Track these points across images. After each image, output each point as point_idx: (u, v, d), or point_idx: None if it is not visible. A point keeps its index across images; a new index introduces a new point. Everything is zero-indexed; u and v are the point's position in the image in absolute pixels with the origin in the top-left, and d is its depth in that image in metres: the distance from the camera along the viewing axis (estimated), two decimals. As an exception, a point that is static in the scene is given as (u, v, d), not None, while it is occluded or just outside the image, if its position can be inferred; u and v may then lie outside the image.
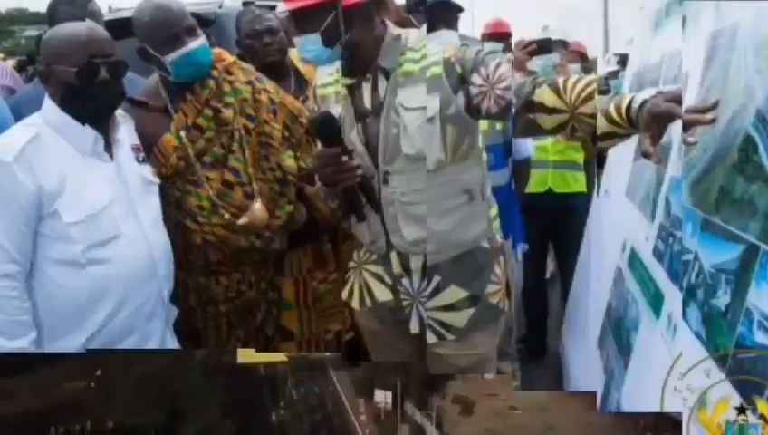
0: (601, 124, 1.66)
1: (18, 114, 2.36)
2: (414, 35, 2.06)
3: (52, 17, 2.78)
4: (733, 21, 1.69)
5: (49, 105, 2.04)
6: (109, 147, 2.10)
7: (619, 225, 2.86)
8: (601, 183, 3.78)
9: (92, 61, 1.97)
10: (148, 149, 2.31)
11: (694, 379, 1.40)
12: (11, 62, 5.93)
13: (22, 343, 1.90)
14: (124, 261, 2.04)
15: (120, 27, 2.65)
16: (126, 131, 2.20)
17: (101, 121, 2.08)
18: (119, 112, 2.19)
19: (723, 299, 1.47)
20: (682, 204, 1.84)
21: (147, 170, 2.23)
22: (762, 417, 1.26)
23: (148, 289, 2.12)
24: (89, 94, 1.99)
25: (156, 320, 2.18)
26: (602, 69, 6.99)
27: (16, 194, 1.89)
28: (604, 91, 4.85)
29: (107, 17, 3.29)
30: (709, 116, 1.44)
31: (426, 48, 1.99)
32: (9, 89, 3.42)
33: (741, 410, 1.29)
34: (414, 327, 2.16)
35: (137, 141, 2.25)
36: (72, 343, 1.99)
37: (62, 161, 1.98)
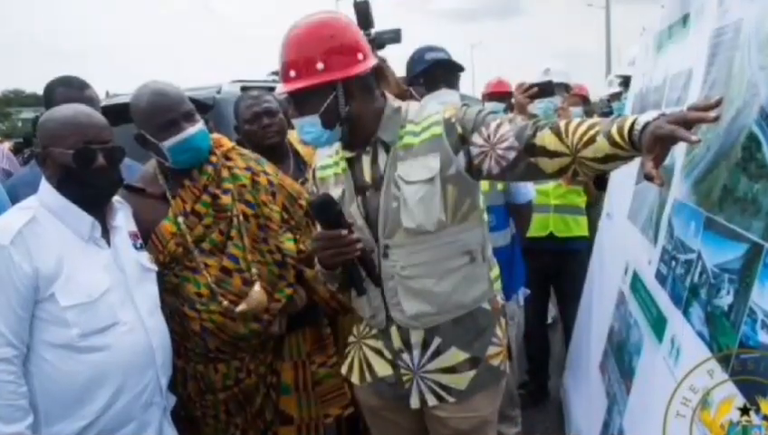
0: (604, 146, 1.63)
1: (14, 197, 2.37)
2: (414, 108, 2.05)
3: (49, 99, 2.80)
4: (736, 18, 1.72)
5: (46, 188, 2.04)
6: (106, 233, 2.11)
7: (621, 248, 2.84)
8: (603, 205, 3.78)
9: (89, 147, 1.98)
10: (146, 235, 2.30)
11: (697, 379, 1.36)
12: (7, 145, 6.03)
13: (18, 428, 1.85)
14: (122, 348, 2.01)
15: (118, 113, 2.72)
16: (123, 218, 2.21)
17: (98, 208, 2.09)
18: (116, 199, 2.19)
19: (726, 299, 1.46)
20: (684, 202, 1.82)
21: (144, 257, 2.23)
22: (765, 417, 1.24)
23: (147, 377, 2.09)
24: (85, 180, 2.00)
25: (154, 408, 2.14)
26: (605, 90, 7.03)
27: (13, 277, 1.88)
28: (607, 113, 4.87)
29: (104, 103, 3.34)
30: (713, 114, 1.43)
31: (425, 121, 1.98)
32: (5, 171, 3.46)
33: (744, 411, 1.27)
34: (414, 402, 2.10)
35: (134, 228, 2.25)
36: (69, 428, 1.95)
37: (60, 244, 1.97)
